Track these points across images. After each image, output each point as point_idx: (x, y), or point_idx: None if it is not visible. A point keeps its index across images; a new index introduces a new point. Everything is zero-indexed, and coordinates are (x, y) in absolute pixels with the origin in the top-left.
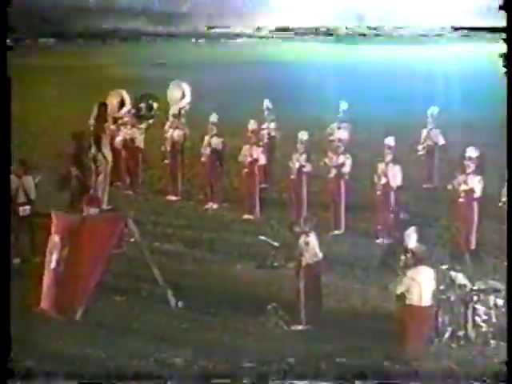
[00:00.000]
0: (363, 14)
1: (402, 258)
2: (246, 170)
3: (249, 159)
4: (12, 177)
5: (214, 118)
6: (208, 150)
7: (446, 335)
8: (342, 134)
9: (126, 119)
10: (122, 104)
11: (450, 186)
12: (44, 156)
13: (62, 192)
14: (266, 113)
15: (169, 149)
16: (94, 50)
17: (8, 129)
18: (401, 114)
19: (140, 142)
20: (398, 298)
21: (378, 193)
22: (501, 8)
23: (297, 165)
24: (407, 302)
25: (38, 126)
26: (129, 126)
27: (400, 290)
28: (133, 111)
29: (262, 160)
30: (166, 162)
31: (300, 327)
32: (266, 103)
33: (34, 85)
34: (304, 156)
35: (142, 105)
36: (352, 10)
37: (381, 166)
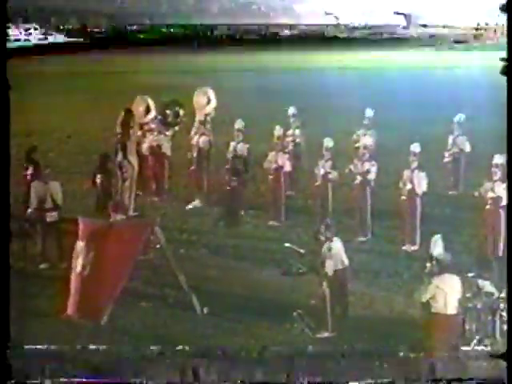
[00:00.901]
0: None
1: (428, 265)
2: (271, 176)
3: (274, 166)
4: (38, 182)
5: (239, 124)
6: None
7: (473, 343)
8: (368, 140)
9: (152, 125)
10: (147, 110)
11: (476, 193)
12: (70, 162)
13: (87, 198)
14: (291, 119)
15: (195, 155)
16: (120, 56)
17: (7, 132)
18: (426, 121)
19: (166, 148)
20: (424, 306)
21: (404, 199)
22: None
23: (322, 171)
24: (433, 310)
25: (64, 132)
26: (155, 133)
27: (425, 297)
28: (159, 118)
29: (288, 167)
30: (192, 168)
31: (326, 334)
32: (292, 110)
33: (61, 92)
34: (329, 163)
35: (169, 111)
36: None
37: (406, 173)
